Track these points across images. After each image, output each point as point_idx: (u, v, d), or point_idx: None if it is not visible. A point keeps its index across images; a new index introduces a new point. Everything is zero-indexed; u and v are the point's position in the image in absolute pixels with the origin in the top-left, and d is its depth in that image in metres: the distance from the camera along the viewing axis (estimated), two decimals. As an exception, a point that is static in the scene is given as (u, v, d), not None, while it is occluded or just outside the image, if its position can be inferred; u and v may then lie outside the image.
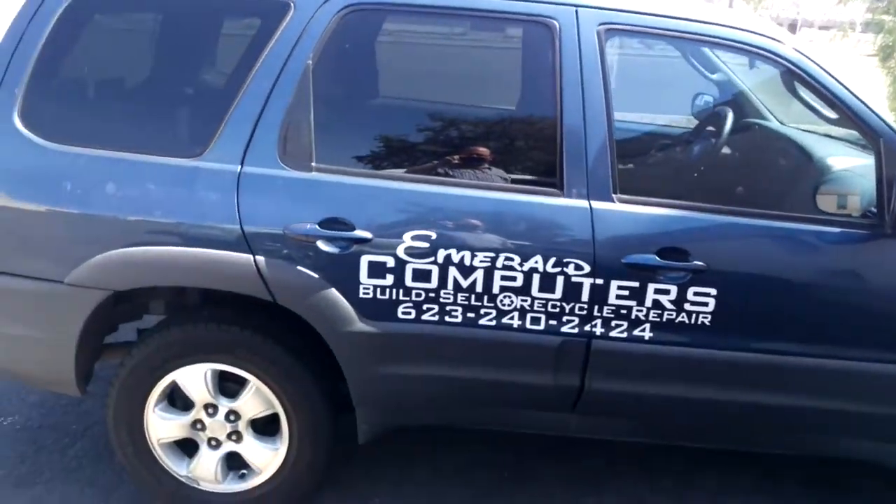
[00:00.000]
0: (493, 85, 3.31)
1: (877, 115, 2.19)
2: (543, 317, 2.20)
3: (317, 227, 2.14)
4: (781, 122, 3.21)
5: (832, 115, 2.38)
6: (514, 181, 2.32)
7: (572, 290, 2.17)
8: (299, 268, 2.16)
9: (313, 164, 2.18)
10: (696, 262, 2.16)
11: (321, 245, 2.14)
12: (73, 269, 2.18)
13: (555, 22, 2.20)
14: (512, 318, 2.20)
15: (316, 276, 2.16)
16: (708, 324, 2.19)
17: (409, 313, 2.20)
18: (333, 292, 2.17)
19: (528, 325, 2.21)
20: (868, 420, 2.36)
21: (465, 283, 2.16)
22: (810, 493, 2.80)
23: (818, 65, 2.23)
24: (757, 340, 2.24)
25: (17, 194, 2.21)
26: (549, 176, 2.22)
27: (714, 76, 3.33)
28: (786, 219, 2.24)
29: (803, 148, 2.87)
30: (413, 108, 3.04)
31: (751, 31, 2.27)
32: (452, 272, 2.15)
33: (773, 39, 2.26)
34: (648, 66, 5.03)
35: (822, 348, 2.25)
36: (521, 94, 2.74)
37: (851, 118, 2.21)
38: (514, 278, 2.16)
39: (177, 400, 2.42)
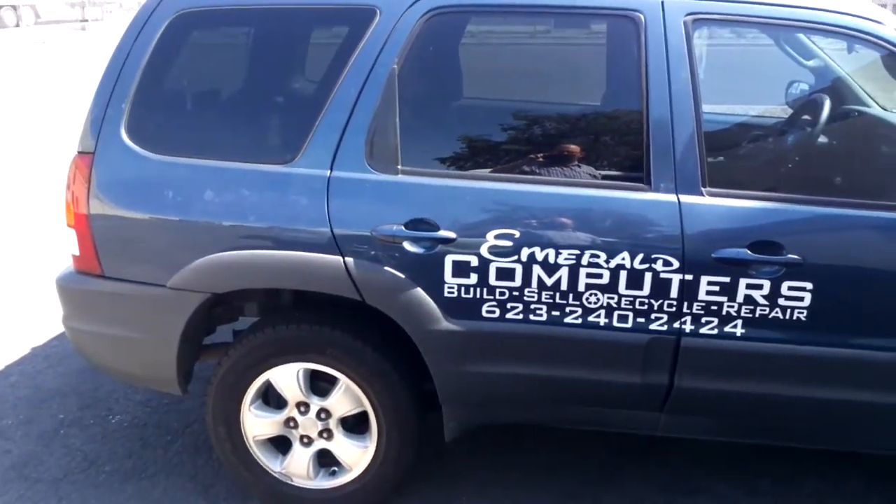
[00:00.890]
0: (578, 81, 3.27)
1: None
2: (631, 314, 2.17)
3: (403, 228, 2.17)
4: (884, 108, 3.05)
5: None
6: (599, 177, 2.29)
7: (661, 287, 2.13)
8: (386, 268, 2.19)
9: (399, 166, 2.21)
10: (790, 256, 2.08)
11: (407, 246, 2.18)
12: (174, 274, 2.29)
13: (640, 15, 2.17)
14: (598, 315, 2.18)
15: (402, 276, 2.19)
16: (804, 319, 2.11)
17: (494, 312, 2.21)
18: (419, 292, 2.20)
19: (614, 323, 2.18)
20: None
21: (549, 282, 2.15)
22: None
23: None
24: (856, 336, 2.15)
25: (123, 204, 2.34)
26: (635, 171, 2.19)
27: (809, 63, 3.19)
28: (889, 209, 2.13)
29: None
30: (496, 107, 3.04)
31: (847, 14, 2.18)
32: (536, 270, 2.14)
33: (873, 21, 2.16)
34: (740, 54, 4.88)
35: None
36: (606, 90, 2.71)
37: None
38: (600, 276, 2.14)
39: (271, 399, 2.50)
